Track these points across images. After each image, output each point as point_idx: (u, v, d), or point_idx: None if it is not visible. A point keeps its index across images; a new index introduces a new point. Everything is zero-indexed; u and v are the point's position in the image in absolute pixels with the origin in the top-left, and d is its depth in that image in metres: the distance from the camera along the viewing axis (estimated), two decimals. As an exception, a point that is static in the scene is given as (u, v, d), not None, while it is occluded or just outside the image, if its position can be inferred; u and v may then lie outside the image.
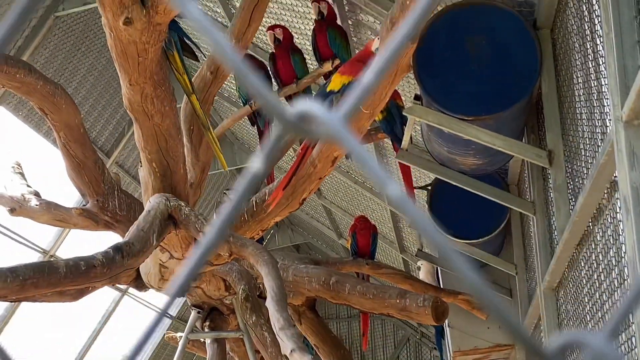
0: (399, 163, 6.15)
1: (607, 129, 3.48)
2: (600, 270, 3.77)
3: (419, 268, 8.38)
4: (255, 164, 0.31)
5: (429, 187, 6.58)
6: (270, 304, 4.20)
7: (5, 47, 0.34)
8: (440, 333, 8.81)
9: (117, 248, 4.27)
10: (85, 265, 4.11)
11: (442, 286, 7.30)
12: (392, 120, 5.72)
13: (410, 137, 5.50)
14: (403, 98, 6.13)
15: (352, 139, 0.27)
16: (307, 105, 0.29)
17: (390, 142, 6.45)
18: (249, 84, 0.29)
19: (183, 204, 4.77)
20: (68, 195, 7.77)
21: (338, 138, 0.29)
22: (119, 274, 4.43)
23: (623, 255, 3.27)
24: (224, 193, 7.92)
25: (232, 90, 8.84)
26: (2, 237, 8.70)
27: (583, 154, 4.06)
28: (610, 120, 3.23)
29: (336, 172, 9.01)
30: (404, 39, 0.31)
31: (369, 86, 0.32)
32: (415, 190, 6.82)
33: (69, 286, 4.21)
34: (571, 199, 4.38)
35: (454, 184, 5.49)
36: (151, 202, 4.72)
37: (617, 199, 3.32)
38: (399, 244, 10.29)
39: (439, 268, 7.68)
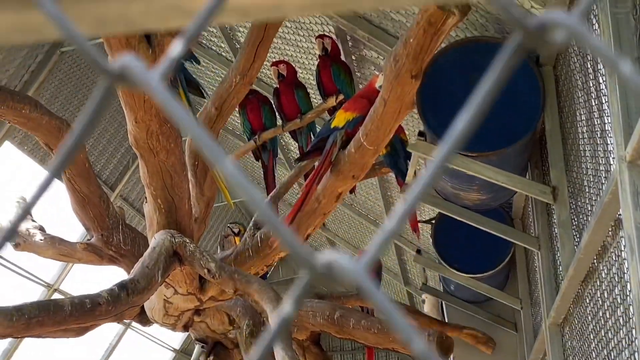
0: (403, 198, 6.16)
1: (610, 167, 3.50)
2: (606, 308, 3.77)
3: (423, 301, 8.37)
4: (284, 308, 0.33)
5: (433, 221, 6.59)
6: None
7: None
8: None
9: (122, 285, 4.29)
10: (90, 303, 4.12)
11: (446, 320, 7.28)
12: (396, 154, 5.74)
13: (415, 172, 5.52)
14: (407, 132, 6.16)
15: (374, 289, 0.29)
16: (332, 255, 0.31)
17: (394, 177, 6.46)
18: (283, 238, 0.31)
19: (188, 241, 4.79)
20: (72, 229, 7.79)
21: (361, 287, 0.30)
22: (123, 311, 4.44)
23: (628, 293, 3.28)
24: (228, 226, 7.92)
25: (237, 124, 8.89)
26: (6, 271, 8.71)
27: (587, 190, 4.08)
28: (614, 158, 3.24)
29: (339, 204, 9.02)
30: (417, 198, 0.34)
31: (391, 233, 0.34)
32: (419, 224, 6.82)
33: (74, 324, 4.21)
34: (576, 235, 4.39)
35: (458, 219, 5.50)
36: (156, 238, 4.74)
37: (622, 237, 3.33)
38: (404, 276, 10.29)
39: (443, 302, 7.66)
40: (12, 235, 0.42)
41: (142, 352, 12.84)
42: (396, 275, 10.54)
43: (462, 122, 0.32)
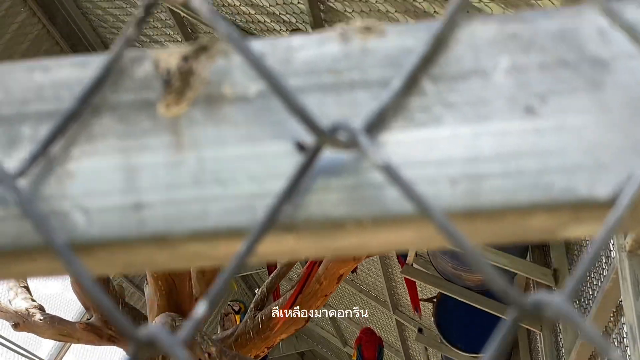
0: (404, 277, 6.17)
1: (611, 252, 3.52)
2: (610, 395, 3.74)
3: (425, 380, 8.30)
4: None
5: (435, 300, 6.57)
6: None
7: None
8: None
9: (122, 371, 4.27)
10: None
11: (449, 399, 7.21)
12: None
13: (415, 252, 5.54)
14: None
15: None
16: None
17: (395, 255, 6.48)
18: None
19: (189, 324, 4.77)
20: (69, 306, 7.77)
21: None
22: (123, 397, 4.40)
23: (632, 382, 3.26)
24: (229, 304, 7.88)
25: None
26: (2, 349, 8.63)
27: (588, 274, 4.09)
28: (613, 244, 3.27)
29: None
30: None
31: None
32: (421, 302, 6.80)
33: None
34: (578, 318, 4.38)
35: (460, 299, 5.50)
36: (157, 322, 4.73)
37: (623, 323, 3.34)
38: (405, 354, 10.20)
39: (445, 380, 7.60)
40: None
41: None
42: (398, 352, 10.45)
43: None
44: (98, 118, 0.40)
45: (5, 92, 0.41)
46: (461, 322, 6.30)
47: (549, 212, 0.37)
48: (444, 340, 6.46)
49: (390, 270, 8.46)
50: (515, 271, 4.78)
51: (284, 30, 5.80)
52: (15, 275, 0.42)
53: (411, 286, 6.45)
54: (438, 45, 0.39)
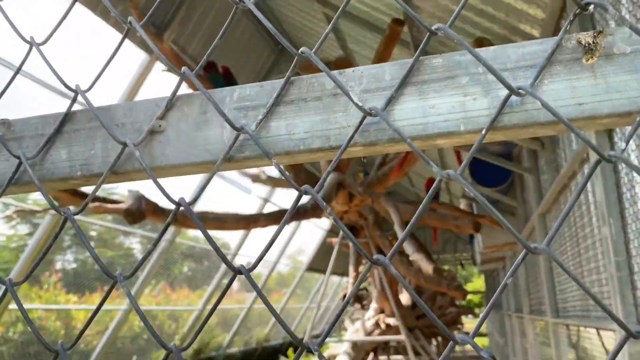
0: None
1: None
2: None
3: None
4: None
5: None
6: (397, 227, 4.39)
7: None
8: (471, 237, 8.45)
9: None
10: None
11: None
12: None
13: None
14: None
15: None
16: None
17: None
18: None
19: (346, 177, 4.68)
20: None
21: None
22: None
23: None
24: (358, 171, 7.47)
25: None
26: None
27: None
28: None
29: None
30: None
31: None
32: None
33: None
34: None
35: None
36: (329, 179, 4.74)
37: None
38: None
39: (473, 204, 7.30)
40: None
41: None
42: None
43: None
44: (286, 106, 0.52)
45: (256, 93, 0.54)
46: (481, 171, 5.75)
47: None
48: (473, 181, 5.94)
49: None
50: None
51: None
52: (245, 167, 0.53)
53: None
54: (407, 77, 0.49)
